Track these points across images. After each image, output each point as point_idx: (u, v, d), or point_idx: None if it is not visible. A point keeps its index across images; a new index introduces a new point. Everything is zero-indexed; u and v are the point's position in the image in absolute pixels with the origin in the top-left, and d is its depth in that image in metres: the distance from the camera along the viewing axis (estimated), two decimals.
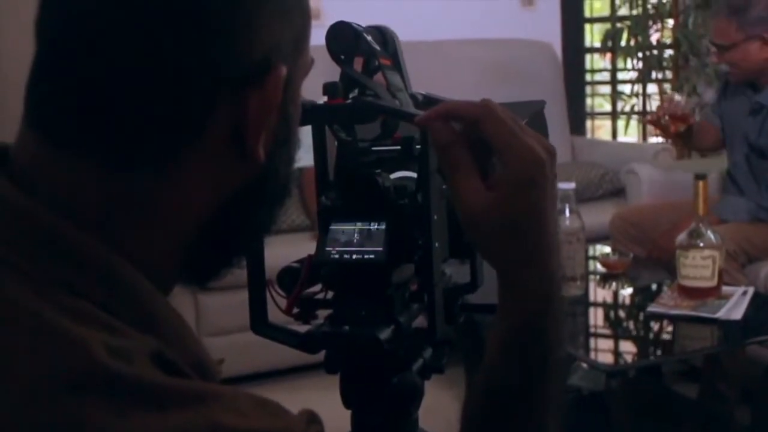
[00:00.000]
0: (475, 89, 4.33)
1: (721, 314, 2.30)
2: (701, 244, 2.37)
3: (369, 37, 0.84)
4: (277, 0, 0.64)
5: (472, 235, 0.72)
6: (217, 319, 3.25)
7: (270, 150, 0.66)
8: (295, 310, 0.87)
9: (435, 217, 0.78)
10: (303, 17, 0.68)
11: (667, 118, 3.26)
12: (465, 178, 0.70)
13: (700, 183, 2.37)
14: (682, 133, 3.30)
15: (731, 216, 3.10)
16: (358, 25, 0.84)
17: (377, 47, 0.84)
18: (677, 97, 3.46)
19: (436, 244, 0.79)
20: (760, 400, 2.61)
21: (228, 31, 0.61)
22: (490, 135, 0.70)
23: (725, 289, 2.43)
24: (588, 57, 5.34)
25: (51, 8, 0.61)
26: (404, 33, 3.61)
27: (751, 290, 2.47)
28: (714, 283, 2.38)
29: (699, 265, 2.36)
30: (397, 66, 0.87)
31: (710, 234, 2.39)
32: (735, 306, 2.35)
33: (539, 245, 0.70)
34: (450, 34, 4.50)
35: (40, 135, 0.61)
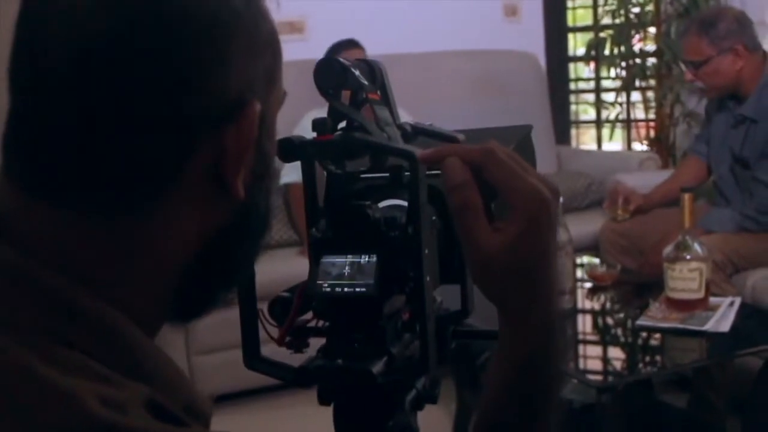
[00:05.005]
0: (460, 100, 4.35)
1: (708, 326, 2.31)
2: (688, 257, 2.39)
3: (357, 72, 0.84)
4: (247, 37, 0.64)
5: (480, 276, 0.72)
6: (207, 337, 3.25)
7: (249, 185, 0.67)
8: (287, 339, 0.87)
9: (426, 250, 0.79)
10: (273, 52, 0.68)
11: (618, 208, 3.42)
12: (476, 219, 0.70)
13: (686, 196, 2.38)
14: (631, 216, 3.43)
15: (717, 227, 3.13)
16: (346, 59, 0.84)
17: (365, 82, 0.85)
18: (617, 180, 3.63)
19: (428, 278, 0.79)
20: (750, 410, 2.62)
21: (201, 73, 0.61)
22: (494, 179, 0.70)
23: (713, 300, 2.44)
24: (572, 66, 5.37)
25: (21, 58, 0.61)
26: (388, 46, 3.62)
27: (738, 301, 2.48)
28: (701, 295, 2.39)
29: (686, 278, 2.38)
30: (386, 99, 0.88)
31: (697, 246, 2.41)
32: (722, 317, 2.36)
33: (544, 282, 0.71)
34: (434, 46, 4.52)
35: (19, 185, 0.61)
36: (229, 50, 0.62)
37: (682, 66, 3.35)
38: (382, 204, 0.87)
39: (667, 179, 3.56)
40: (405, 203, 0.85)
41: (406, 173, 0.85)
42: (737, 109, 3.21)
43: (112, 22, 0.58)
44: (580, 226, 3.44)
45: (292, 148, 0.80)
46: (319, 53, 3.89)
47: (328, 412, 0.86)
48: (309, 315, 0.86)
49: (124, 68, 0.59)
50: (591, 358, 2.60)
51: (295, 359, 0.85)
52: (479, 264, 0.71)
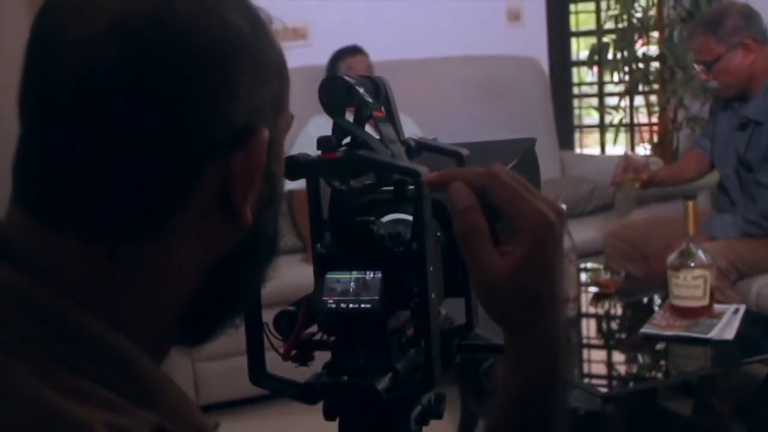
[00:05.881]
0: (462, 105, 4.35)
1: (713, 334, 2.31)
2: (692, 264, 2.38)
3: (361, 90, 0.84)
4: (253, 64, 0.65)
5: (486, 298, 0.72)
6: (212, 344, 3.24)
7: (256, 210, 0.67)
8: (293, 352, 0.87)
9: (431, 268, 0.79)
10: (281, 77, 0.69)
11: (630, 174, 3.43)
12: (482, 243, 0.70)
13: (690, 203, 2.38)
14: (640, 186, 3.46)
15: (720, 234, 3.11)
16: (350, 77, 0.84)
17: (369, 100, 0.85)
18: (629, 153, 3.66)
19: (433, 295, 0.79)
20: (755, 416, 2.62)
21: (208, 101, 0.61)
22: (499, 202, 0.70)
23: (717, 307, 2.44)
24: (575, 70, 5.37)
25: (29, 85, 0.62)
26: (391, 51, 3.62)
27: (742, 308, 2.48)
28: (706, 302, 2.39)
29: (690, 285, 2.37)
30: (390, 116, 0.88)
31: (701, 253, 2.40)
32: (727, 325, 2.36)
33: (551, 304, 0.71)
34: (437, 51, 4.52)
35: (27, 212, 0.62)
36: (236, 77, 0.63)
37: (696, 66, 3.34)
38: (387, 218, 0.87)
39: (672, 164, 3.58)
40: (409, 217, 0.85)
41: (410, 187, 0.85)
42: (742, 110, 3.20)
43: (118, 49, 0.59)
44: (583, 232, 3.45)
45: (297, 167, 0.80)
46: (323, 59, 3.90)
47: (333, 422, 0.87)
48: (314, 327, 0.86)
49: (130, 96, 0.59)
50: (595, 364, 2.60)
51: (300, 372, 0.86)
52: (485, 287, 0.71)
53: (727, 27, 3.12)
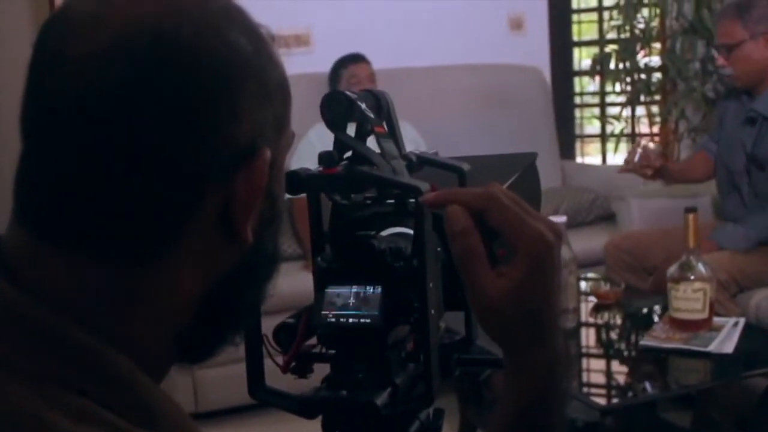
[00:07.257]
0: (464, 114, 4.35)
1: (712, 347, 2.31)
2: (692, 277, 2.38)
3: (363, 105, 0.84)
4: (257, 85, 0.64)
5: (485, 320, 0.72)
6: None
7: (257, 229, 0.67)
8: (292, 364, 0.87)
9: (431, 284, 0.79)
10: (284, 97, 0.68)
11: (638, 160, 3.41)
12: (480, 266, 0.70)
13: (690, 216, 2.38)
14: (652, 176, 3.44)
15: (729, 244, 3.08)
16: (352, 92, 0.85)
17: (371, 115, 0.85)
18: (642, 143, 3.67)
19: (432, 311, 0.79)
20: (754, 429, 2.61)
21: (211, 122, 0.61)
22: (497, 224, 0.70)
23: (717, 320, 2.44)
24: (577, 80, 5.37)
25: (31, 102, 0.62)
26: (394, 59, 3.63)
27: (742, 321, 2.48)
28: (705, 315, 2.38)
29: (690, 298, 2.37)
30: (392, 131, 0.88)
31: (701, 266, 2.40)
32: (726, 338, 2.36)
33: (548, 325, 0.71)
34: (439, 60, 4.52)
35: (29, 230, 0.61)
36: (239, 98, 0.62)
37: (715, 53, 3.32)
38: (387, 231, 0.87)
39: (681, 162, 3.56)
40: (410, 231, 0.85)
41: (411, 200, 0.85)
42: (750, 104, 3.18)
43: (120, 69, 0.58)
44: (584, 242, 3.44)
45: (298, 181, 0.81)
46: (325, 66, 3.90)
47: None
48: (313, 339, 0.87)
49: (134, 116, 0.59)
50: (594, 375, 2.60)
51: (299, 383, 0.86)
52: (483, 309, 0.71)
53: (754, 14, 3.11)
